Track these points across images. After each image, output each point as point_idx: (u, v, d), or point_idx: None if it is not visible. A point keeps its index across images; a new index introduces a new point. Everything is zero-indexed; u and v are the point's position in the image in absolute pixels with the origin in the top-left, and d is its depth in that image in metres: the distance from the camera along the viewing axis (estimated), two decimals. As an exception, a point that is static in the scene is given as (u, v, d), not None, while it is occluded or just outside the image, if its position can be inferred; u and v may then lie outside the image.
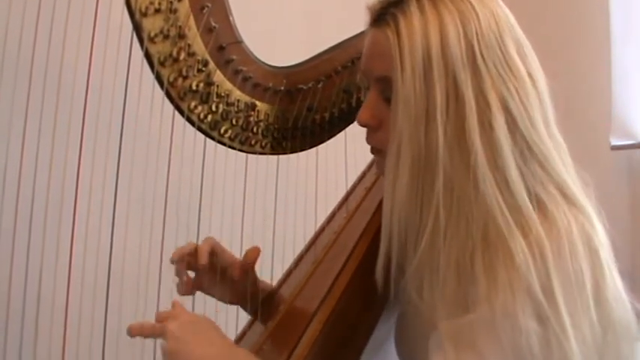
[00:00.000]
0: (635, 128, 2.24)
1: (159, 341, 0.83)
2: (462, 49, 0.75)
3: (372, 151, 0.89)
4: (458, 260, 0.75)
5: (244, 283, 0.99)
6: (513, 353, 0.70)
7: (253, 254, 0.99)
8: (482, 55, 0.76)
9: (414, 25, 0.77)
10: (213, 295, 1.01)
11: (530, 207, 0.75)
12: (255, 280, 1.02)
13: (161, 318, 0.81)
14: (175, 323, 0.79)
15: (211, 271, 0.96)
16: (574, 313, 0.71)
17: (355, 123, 1.05)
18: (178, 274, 0.95)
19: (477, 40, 0.76)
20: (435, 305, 0.76)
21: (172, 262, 0.94)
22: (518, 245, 0.72)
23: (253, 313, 1.03)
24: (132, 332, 0.80)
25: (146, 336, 0.81)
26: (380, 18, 0.81)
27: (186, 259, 0.94)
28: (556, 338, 0.70)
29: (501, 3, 0.81)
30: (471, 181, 0.74)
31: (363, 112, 0.86)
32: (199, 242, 0.96)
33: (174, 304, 0.83)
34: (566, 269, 0.72)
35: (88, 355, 0.94)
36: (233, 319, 1.00)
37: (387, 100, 0.81)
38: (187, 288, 0.96)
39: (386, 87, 0.81)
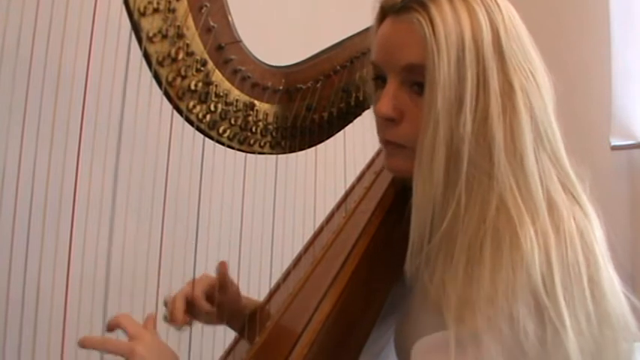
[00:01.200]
0: (635, 128, 2.24)
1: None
2: (490, 38, 0.78)
3: (389, 146, 0.87)
4: (470, 243, 0.76)
5: (226, 302, 0.99)
6: (511, 347, 0.70)
7: (221, 270, 0.99)
8: (507, 47, 0.79)
9: (447, 13, 0.78)
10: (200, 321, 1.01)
11: (542, 195, 0.77)
12: (236, 297, 1.02)
13: (111, 327, 0.81)
14: (142, 345, 0.79)
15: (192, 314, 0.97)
16: (571, 304, 0.72)
17: (354, 123, 1.05)
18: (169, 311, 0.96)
19: (503, 29, 0.79)
20: (444, 287, 0.76)
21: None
22: (527, 232, 0.73)
23: (240, 331, 1.03)
24: (85, 344, 0.78)
25: (109, 352, 0.79)
26: (405, 7, 0.81)
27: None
28: (553, 329, 0.71)
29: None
30: (490, 167, 0.76)
31: (384, 104, 0.83)
32: (198, 243, 0.96)
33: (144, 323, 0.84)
34: (565, 260, 0.73)
35: (86, 354, 0.94)
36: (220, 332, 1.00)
37: (413, 90, 0.82)
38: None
39: (413, 75, 0.81)
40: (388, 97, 0.83)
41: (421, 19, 0.79)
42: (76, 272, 0.84)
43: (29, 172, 1.02)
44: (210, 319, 1.01)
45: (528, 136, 0.77)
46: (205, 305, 0.96)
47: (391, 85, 0.84)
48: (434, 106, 0.77)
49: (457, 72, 0.77)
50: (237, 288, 1.04)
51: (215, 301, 0.97)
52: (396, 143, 0.85)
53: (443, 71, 0.77)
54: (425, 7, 0.79)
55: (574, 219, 0.76)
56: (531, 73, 0.80)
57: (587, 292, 0.74)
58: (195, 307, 0.96)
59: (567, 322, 0.71)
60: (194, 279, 0.96)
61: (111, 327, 0.83)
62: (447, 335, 0.74)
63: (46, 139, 1.05)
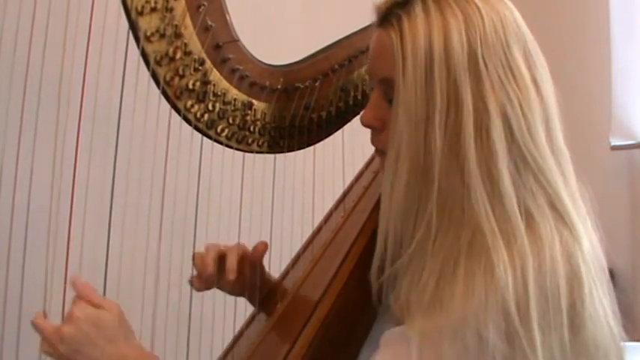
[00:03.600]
0: (635, 128, 2.24)
1: (157, 344, 0.82)
2: (464, 53, 0.74)
3: (377, 152, 0.89)
4: (442, 267, 0.74)
5: (252, 277, 0.99)
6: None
7: (260, 249, 1.00)
8: (484, 61, 0.74)
9: (418, 27, 0.76)
10: (222, 289, 1.02)
11: (519, 217, 0.73)
12: (262, 273, 1.02)
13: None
14: (71, 327, 0.76)
15: (219, 273, 0.97)
16: (546, 332, 0.69)
17: (352, 122, 1.05)
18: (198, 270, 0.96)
19: (481, 44, 0.74)
20: (409, 307, 0.75)
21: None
22: (501, 257, 0.70)
23: (258, 305, 1.03)
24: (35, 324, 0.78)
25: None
26: (385, 19, 0.81)
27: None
28: (522, 354, 0.68)
29: (510, 5, 0.80)
30: (462, 188, 0.73)
31: (366, 113, 0.86)
32: (197, 242, 0.96)
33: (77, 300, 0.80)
34: (544, 286, 0.70)
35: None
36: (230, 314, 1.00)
37: (389, 102, 0.81)
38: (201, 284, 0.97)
39: (388, 88, 0.80)
40: (370, 107, 0.85)
41: (393, 34, 0.78)
42: (73, 271, 0.84)
43: (27, 171, 1.02)
44: (231, 288, 1.01)
45: (503, 157, 0.73)
46: (234, 269, 0.95)
47: (374, 95, 0.85)
48: (398, 121, 0.76)
49: (424, 88, 0.74)
50: (264, 268, 1.04)
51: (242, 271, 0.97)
52: (380, 150, 0.86)
53: (408, 87, 0.75)
54: (399, 21, 0.78)
55: (560, 242, 0.73)
56: (515, 88, 0.75)
57: (565, 321, 0.70)
58: (222, 270, 0.95)
59: (539, 352, 0.68)
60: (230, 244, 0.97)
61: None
62: (409, 331, 0.72)
63: (44, 138, 1.05)
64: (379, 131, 0.85)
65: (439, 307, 0.71)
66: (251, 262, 1.00)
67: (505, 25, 0.77)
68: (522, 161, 0.75)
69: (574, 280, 0.72)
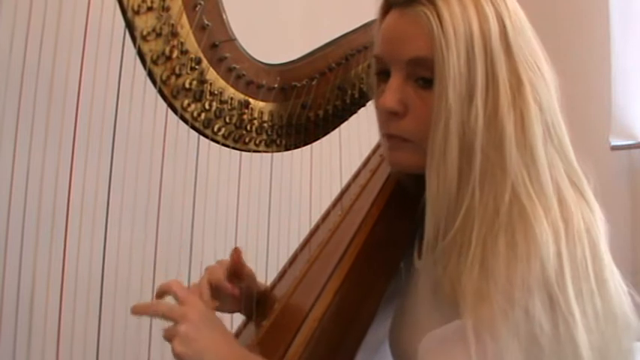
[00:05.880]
0: (635, 128, 2.24)
1: (154, 345, 0.82)
2: (498, 32, 0.78)
3: (392, 140, 0.86)
4: (485, 239, 0.75)
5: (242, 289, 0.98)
6: (527, 341, 0.70)
7: (235, 257, 0.96)
8: (514, 39, 0.79)
9: (454, 7, 0.78)
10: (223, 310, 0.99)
11: (552, 188, 0.77)
12: (251, 281, 1.01)
13: (161, 292, 0.81)
14: (195, 311, 0.78)
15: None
16: (580, 299, 0.72)
17: (350, 120, 1.05)
18: None
19: (510, 23, 0.79)
20: (460, 281, 0.76)
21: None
22: (541, 224, 0.73)
23: (248, 314, 1.02)
24: (135, 310, 0.79)
25: (161, 316, 0.79)
26: (411, 0, 0.81)
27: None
28: (564, 322, 0.71)
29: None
30: (502, 161, 0.76)
31: (389, 97, 0.82)
32: (194, 242, 0.95)
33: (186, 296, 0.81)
34: (574, 255, 0.73)
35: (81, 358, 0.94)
36: (227, 317, 1.00)
37: (418, 84, 0.81)
38: None
39: (419, 69, 0.80)
40: (392, 90, 0.82)
41: (428, 12, 0.78)
42: (72, 271, 0.84)
43: (23, 171, 1.02)
44: (233, 306, 0.99)
45: (538, 128, 0.78)
46: (229, 287, 0.94)
47: (395, 79, 0.83)
48: (445, 100, 0.77)
49: (466, 66, 0.77)
50: (253, 274, 1.02)
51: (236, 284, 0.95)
52: (400, 137, 0.84)
53: (453, 65, 0.76)
54: (432, 1, 0.79)
55: (581, 215, 0.76)
56: (537, 66, 0.80)
57: (595, 289, 0.74)
58: (219, 292, 0.93)
59: (578, 317, 0.71)
60: (210, 266, 0.95)
61: (160, 293, 0.83)
62: (462, 325, 0.73)
63: (40, 138, 1.05)
64: (400, 117, 0.83)
65: (486, 287, 0.73)
66: (233, 272, 0.97)
67: (520, 12, 0.82)
68: (549, 135, 0.79)
69: (596, 251, 0.76)
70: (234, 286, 0.94)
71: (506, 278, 0.72)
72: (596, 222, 0.78)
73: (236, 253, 0.96)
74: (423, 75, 0.80)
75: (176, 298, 0.81)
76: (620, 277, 0.79)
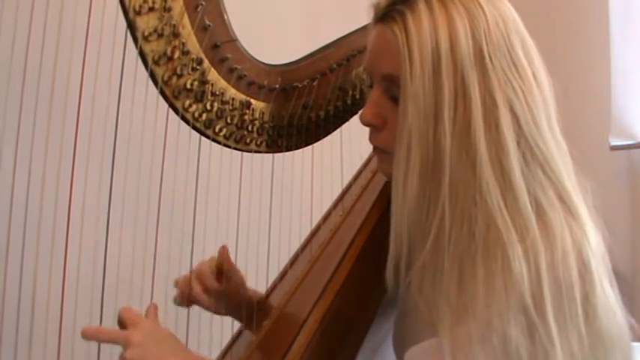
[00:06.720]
0: (635, 128, 2.24)
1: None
2: (470, 48, 0.75)
3: (376, 151, 0.88)
4: (461, 263, 0.74)
5: (238, 295, 0.99)
6: None
7: (221, 254, 0.98)
8: (489, 55, 0.75)
9: (423, 22, 0.76)
10: (208, 309, 1.01)
11: (530, 210, 0.74)
12: (241, 285, 1.02)
13: (122, 321, 0.80)
14: (139, 332, 0.78)
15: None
16: (562, 324, 0.70)
17: (350, 121, 1.05)
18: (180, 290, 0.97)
19: (485, 39, 0.75)
20: (436, 304, 0.75)
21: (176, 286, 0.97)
22: (516, 252, 0.71)
23: (246, 321, 1.02)
24: (86, 335, 0.78)
25: (104, 341, 0.79)
26: (386, 15, 0.80)
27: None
28: (543, 349, 0.70)
29: (507, 3, 0.81)
30: (474, 182, 0.74)
31: (366, 111, 0.84)
32: (195, 242, 0.96)
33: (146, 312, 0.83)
34: (558, 279, 0.71)
35: None
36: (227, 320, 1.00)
37: (392, 99, 0.81)
38: (184, 301, 0.97)
39: (391, 85, 0.80)
40: (371, 104, 0.84)
41: (396, 29, 0.77)
42: (72, 271, 0.84)
43: (25, 170, 1.02)
44: (217, 306, 1.00)
45: (514, 150, 0.74)
46: (214, 283, 0.95)
47: (374, 92, 0.84)
48: (405, 118, 0.76)
49: (432, 83, 0.75)
50: (242, 278, 1.02)
51: (222, 284, 0.97)
52: (380, 149, 0.86)
53: (415, 83, 0.75)
54: (402, 17, 0.78)
55: (570, 235, 0.74)
56: (520, 82, 0.76)
57: (580, 312, 0.72)
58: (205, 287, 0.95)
59: (557, 342, 0.70)
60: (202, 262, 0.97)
61: (118, 321, 0.82)
62: (439, 342, 0.73)
63: (42, 139, 1.05)
64: (379, 129, 0.84)
65: (464, 312, 0.72)
66: (219, 271, 0.98)
67: (506, 22, 0.78)
68: (530, 153, 0.76)
69: (585, 272, 0.73)
70: (217, 282, 0.96)
71: (484, 304, 0.71)
72: (588, 241, 0.75)
73: (223, 251, 0.98)
74: (394, 92, 0.80)
75: (124, 322, 0.81)
76: (615, 294, 0.76)
